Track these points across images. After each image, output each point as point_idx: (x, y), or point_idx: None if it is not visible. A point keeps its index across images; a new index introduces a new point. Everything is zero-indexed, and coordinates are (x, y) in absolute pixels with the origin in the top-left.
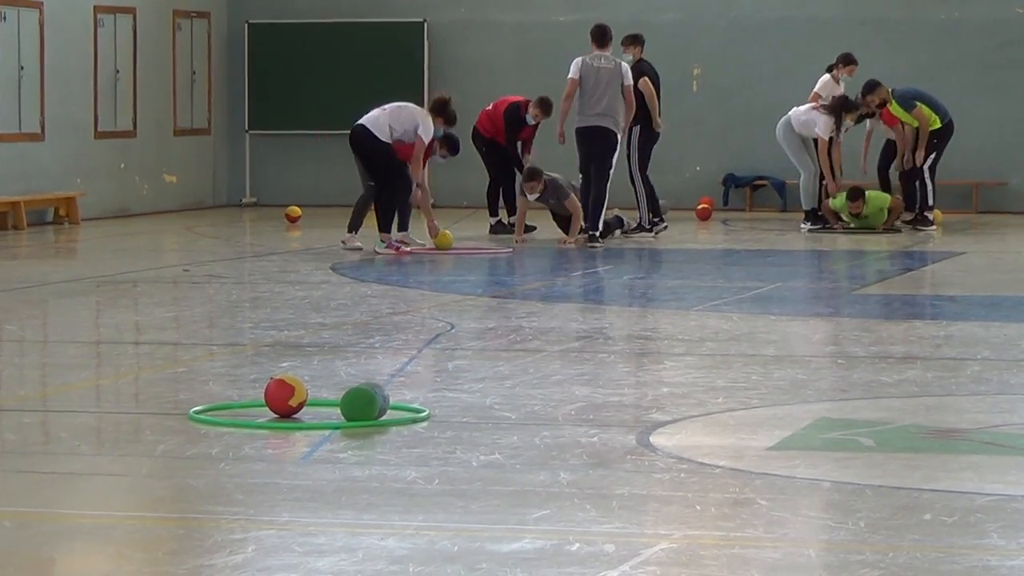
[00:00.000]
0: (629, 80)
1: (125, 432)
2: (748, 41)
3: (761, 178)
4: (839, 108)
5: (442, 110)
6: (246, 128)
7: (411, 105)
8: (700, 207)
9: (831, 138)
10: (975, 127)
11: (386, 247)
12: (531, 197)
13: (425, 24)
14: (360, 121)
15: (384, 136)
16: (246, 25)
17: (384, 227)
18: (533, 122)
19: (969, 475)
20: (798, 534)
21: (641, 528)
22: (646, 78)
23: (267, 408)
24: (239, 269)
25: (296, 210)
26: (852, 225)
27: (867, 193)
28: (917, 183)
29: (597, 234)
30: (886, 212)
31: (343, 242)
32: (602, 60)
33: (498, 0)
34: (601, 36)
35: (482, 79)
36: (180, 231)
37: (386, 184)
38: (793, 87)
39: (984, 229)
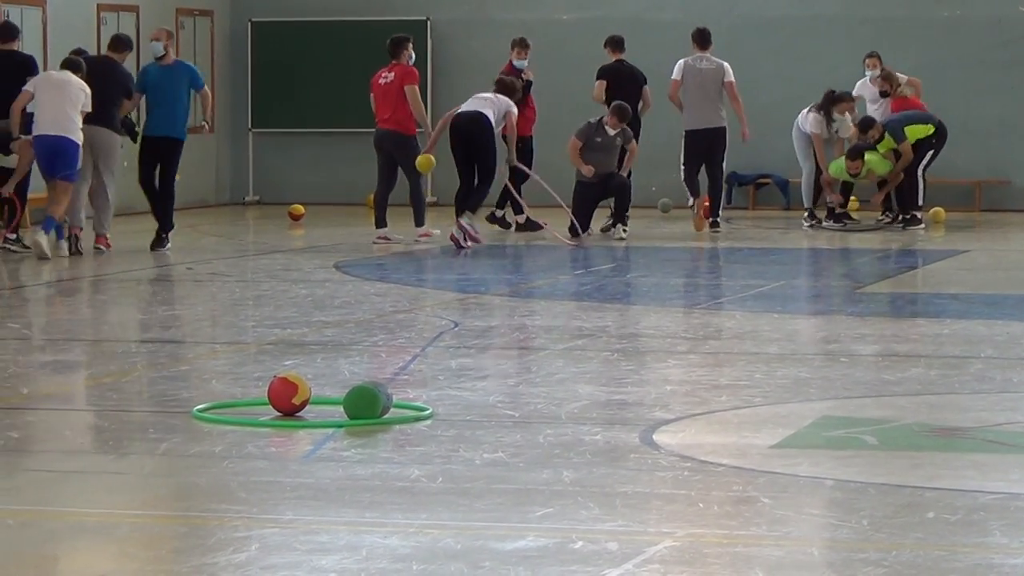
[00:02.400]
0: (731, 77)
1: (128, 430)
2: (750, 39)
3: (764, 176)
4: (825, 102)
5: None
6: (249, 126)
7: (489, 95)
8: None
9: (827, 140)
10: (978, 125)
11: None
12: (612, 132)
13: (428, 22)
14: (478, 109)
15: (496, 127)
16: (249, 23)
17: (464, 212)
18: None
19: (972, 473)
20: (801, 532)
21: (644, 526)
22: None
23: (270, 406)
24: (242, 267)
25: (299, 208)
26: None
27: (867, 156)
28: (907, 183)
29: (718, 221)
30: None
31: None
32: (704, 61)
33: None
34: (702, 38)
35: (485, 77)
36: (183, 229)
37: (488, 172)
38: (795, 86)
39: (987, 227)
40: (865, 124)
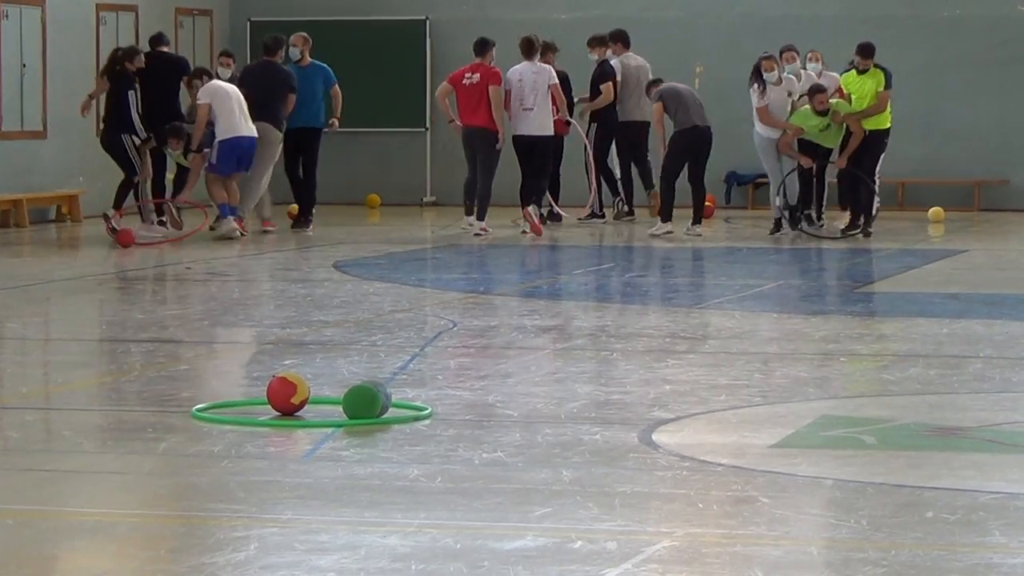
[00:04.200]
0: (650, 75)
1: (127, 430)
2: (750, 39)
3: (763, 176)
4: (755, 70)
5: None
6: None
7: (521, 68)
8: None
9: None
10: (977, 125)
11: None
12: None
13: (427, 22)
14: (539, 133)
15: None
16: (248, 23)
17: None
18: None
19: (971, 473)
20: (800, 532)
21: (643, 526)
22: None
23: (269, 406)
24: (241, 267)
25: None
26: (820, 130)
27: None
28: (863, 188)
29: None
30: (844, 131)
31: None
32: (634, 59)
33: None
34: (626, 39)
35: None
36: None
37: (547, 169)
38: None
39: (986, 227)
40: (865, 49)
